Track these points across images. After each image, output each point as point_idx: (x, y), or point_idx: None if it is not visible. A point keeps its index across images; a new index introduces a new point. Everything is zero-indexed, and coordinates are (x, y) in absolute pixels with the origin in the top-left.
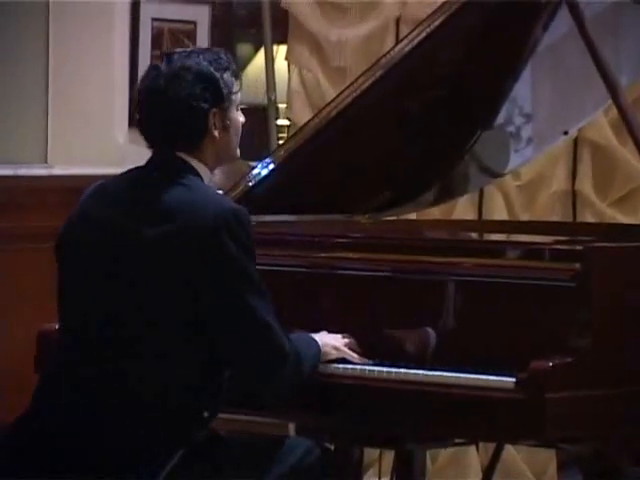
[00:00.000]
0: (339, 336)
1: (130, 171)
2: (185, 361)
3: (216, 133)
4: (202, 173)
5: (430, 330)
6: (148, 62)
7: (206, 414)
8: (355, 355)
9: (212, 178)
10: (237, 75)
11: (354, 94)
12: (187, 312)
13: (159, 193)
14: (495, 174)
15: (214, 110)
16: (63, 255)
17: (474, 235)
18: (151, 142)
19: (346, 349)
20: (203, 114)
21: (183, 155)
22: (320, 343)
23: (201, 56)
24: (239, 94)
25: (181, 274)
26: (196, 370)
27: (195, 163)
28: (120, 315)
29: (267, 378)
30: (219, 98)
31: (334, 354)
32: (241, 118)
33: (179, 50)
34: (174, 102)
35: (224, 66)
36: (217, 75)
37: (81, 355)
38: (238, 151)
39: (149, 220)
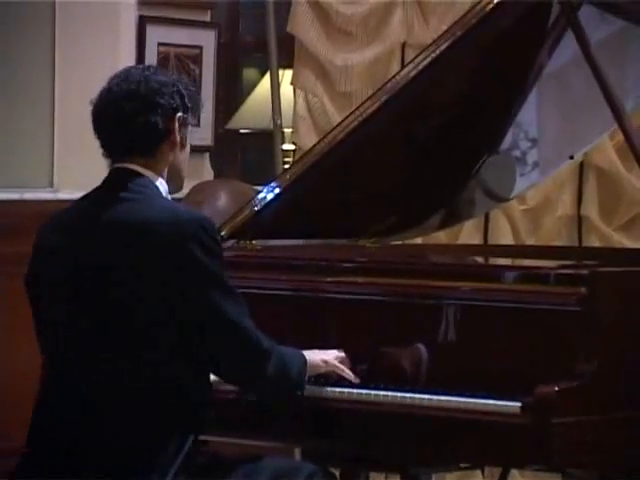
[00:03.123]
0: (331, 352)
1: (88, 195)
2: (180, 367)
3: (175, 141)
4: (158, 184)
5: (435, 354)
6: None
7: (203, 414)
8: (345, 369)
9: (168, 193)
10: (194, 110)
11: (360, 119)
12: (171, 323)
13: (119, 212)
14: (501, 198)
15: (179, 114)
16: (33, 292)
17: (480, 260)
18: (109, 145)
19: (336, 362)
20: (169, 112)
21: (138, 168)
22: (307, 356)
23: (173, 77)
24: (189, 127)
25: (156, 287)
26: (192, 374)
27: (150, 174)
28: (106, 340)
29: (249, 376)
30: (185, 108)
31: (323, 367)
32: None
33: (150, 65)
34: (145, 97)
35: (190, 92)
36: (185, 93)
37: (70, 372)
38: (184, 180)
39: (113, 242)
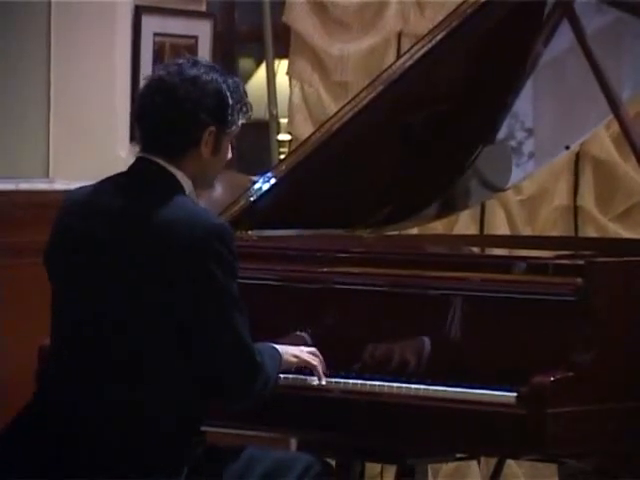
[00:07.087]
0: (303, 348)
1: (111, 179)
2: (178, 375)
3: (204, 151)
4: (184, 184)
5: (431, 345)
6: None
7: (203, 413)
8: (315, 362)
9: (193, 190)
10: (246, 112)
11: (355, 109)
12: (174, 327)
13: (143, 206)
14: (497, 189)
15: (212, 128)
16: (51, 269)
17: (476, 250)
18: (140, 134)
19: (307, 357)
20: (201, 125)
21: (165, 164)
22: (281, 352)
23: (223, 78)
24: (237, 130)
25: (166, 290)
26: (190, 383)
27: (177, 173)
28: (110, 329)
29: (241, 394)
30: (223, 121)
31: (294, 362)
32: (229, 154)
33: (205, 60)
34: (180, 101)
35: (238, 98)
36: (230, 102)
37: (75, 368)
38: (215, 182)
39: (134, 235)
